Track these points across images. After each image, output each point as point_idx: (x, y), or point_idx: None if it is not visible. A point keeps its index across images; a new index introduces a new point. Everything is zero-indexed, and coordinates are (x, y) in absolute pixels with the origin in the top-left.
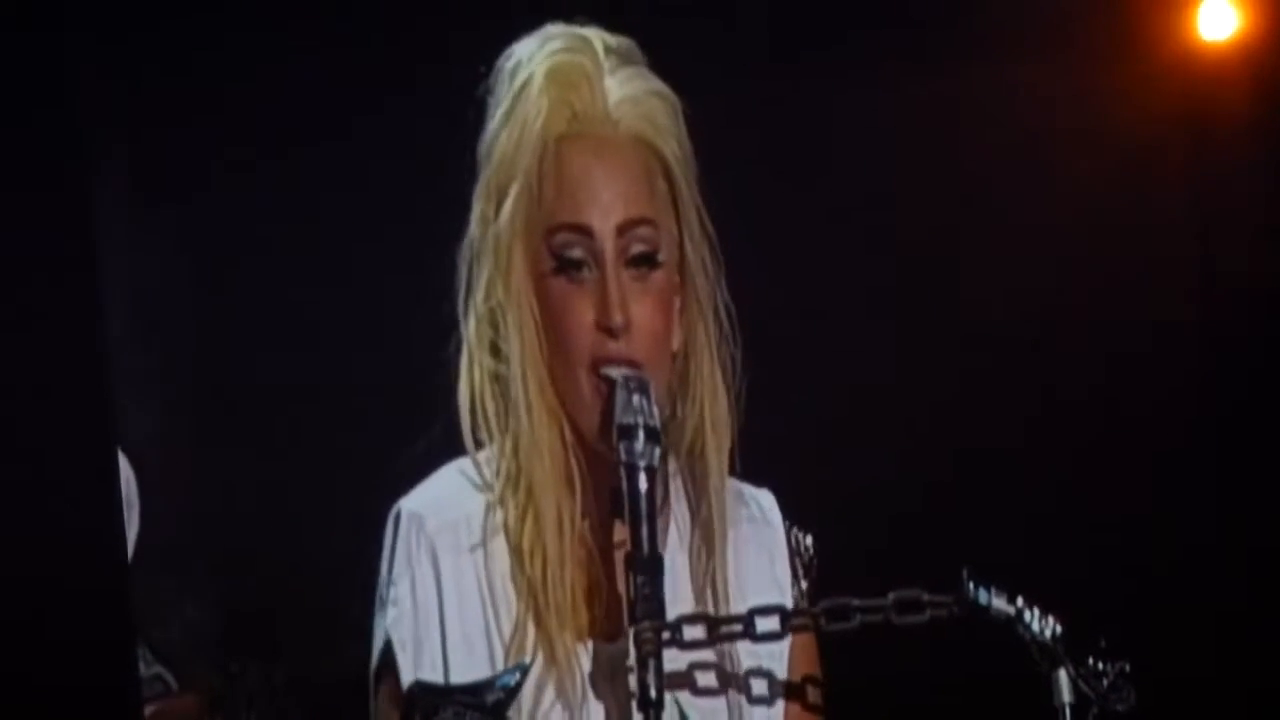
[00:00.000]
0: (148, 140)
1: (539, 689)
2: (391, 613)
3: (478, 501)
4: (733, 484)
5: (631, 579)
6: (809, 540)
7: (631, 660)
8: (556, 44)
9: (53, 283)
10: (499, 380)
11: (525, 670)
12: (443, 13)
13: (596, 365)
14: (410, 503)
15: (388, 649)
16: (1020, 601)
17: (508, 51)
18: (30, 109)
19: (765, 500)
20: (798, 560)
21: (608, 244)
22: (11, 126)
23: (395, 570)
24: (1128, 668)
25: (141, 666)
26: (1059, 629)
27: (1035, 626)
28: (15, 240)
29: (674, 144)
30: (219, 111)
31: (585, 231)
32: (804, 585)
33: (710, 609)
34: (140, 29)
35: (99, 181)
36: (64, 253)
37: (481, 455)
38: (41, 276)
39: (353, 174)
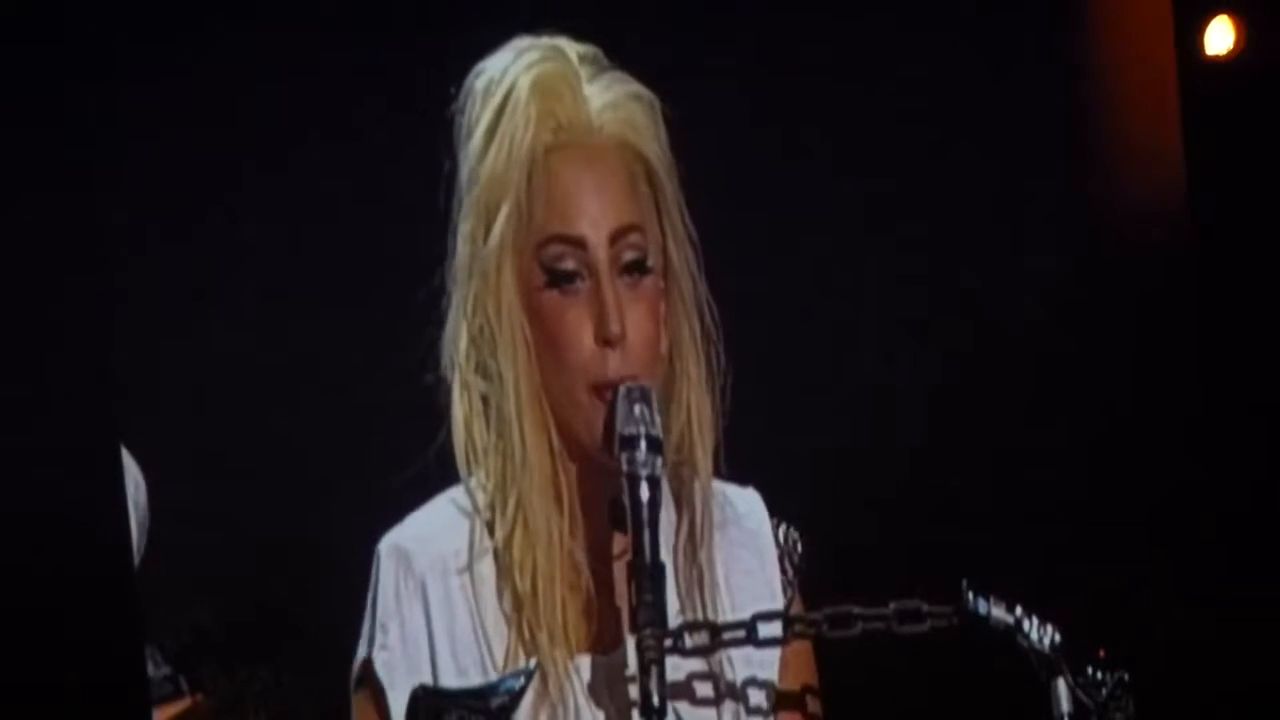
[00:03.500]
0: (146, 144)
1: (533, 708)
2: (382, 656)
3: (469, 534)
4: (716, 485)
5: (633, 586)
6: (796, 535)
7: (632, 669)
8: (532, 55)
9: (59, 284)
10: (488, 402)
11: (530, 674)
12: (434, 23)
13: (595, 382)
14: (397, 539)
15: (366, 669)
16: (1019, 611)
17: (477, 69)
18: (31, 110)
19: (749, 500)
20: (787, 561)
21: (601, 253)
22: (15, 126)
23: (383, 612)
24: (1127, 677)
25: (150, 668)
26: (1058, 638)
27: (1034, 636)
28: (18, 239)
29: (655, 145)
30: (218, 118)
31: (578, 243)
32: (792, 576)
33: (696, 611)
34: (137, 35)
35: (102, 183)
36: (70, 253)
37: (474, 482)
38: (47, 277)
39: (346, 193)
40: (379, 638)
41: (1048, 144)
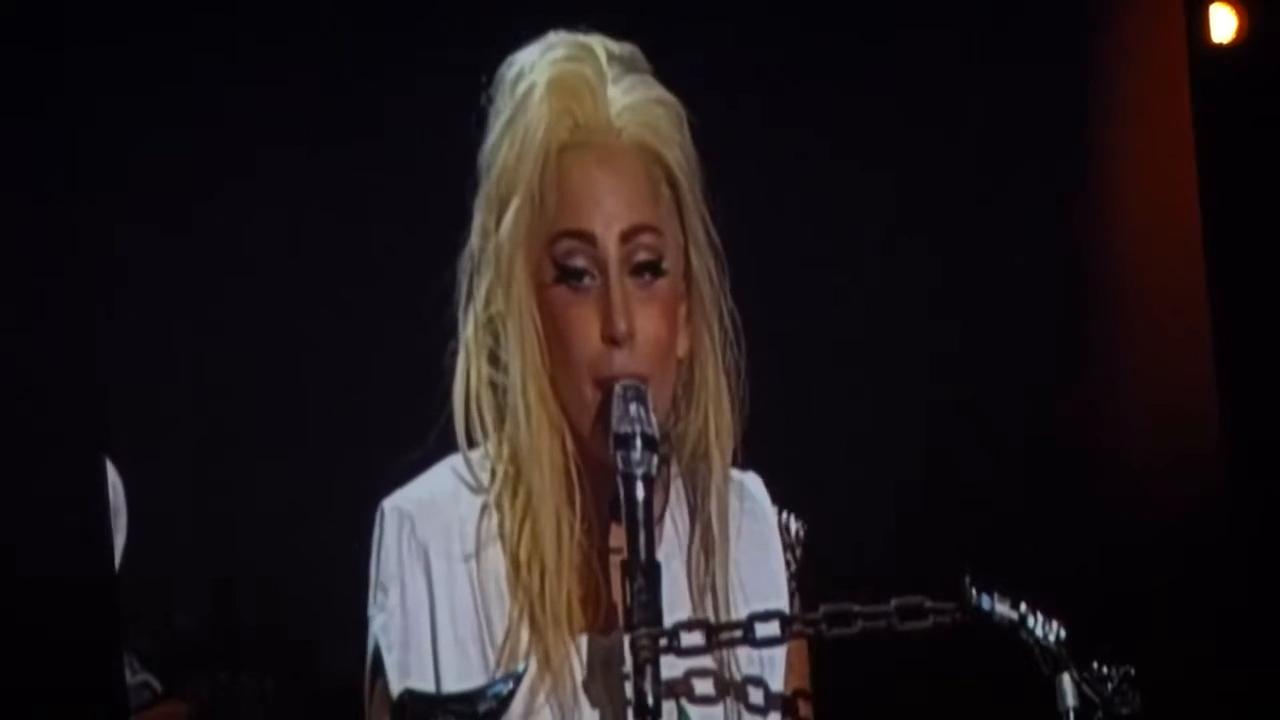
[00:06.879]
0: (145, 144)
1: (532, 693)
2: (380, 618)
3: (472, 504)
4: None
5: (629, 586)
6: (801, 525)
7: (628, 666)
8: (558, 52)
9: (44, 287)
10: (496, 387)
11: (518, 679)
12: (445, 19)
13: (600, 378)
14: (401, 501)
15: (378, 653)
16: (1024, 606)
17: (509, 60)
18: (25, 109)
19: (752, 485)
20: (790, 552)
21: (611, 251)
22: (8, 129)
23: (384, 573)
24: (1132, 672)
25: (128, 674)
26: (1063, 633)
27: (1039, 631)
28: (6, 243)
29: (678, 151)
30: (218, 115)
31: (588, 238)
32: (794, 568)
33: (709, 615)
34: (137, 36)
35: (93, 185)
36: (57, 256)
37: (475, 454)
38: (33, 281)
39: (353, 181)
40: (378, 598)
41: (1051, 138)
